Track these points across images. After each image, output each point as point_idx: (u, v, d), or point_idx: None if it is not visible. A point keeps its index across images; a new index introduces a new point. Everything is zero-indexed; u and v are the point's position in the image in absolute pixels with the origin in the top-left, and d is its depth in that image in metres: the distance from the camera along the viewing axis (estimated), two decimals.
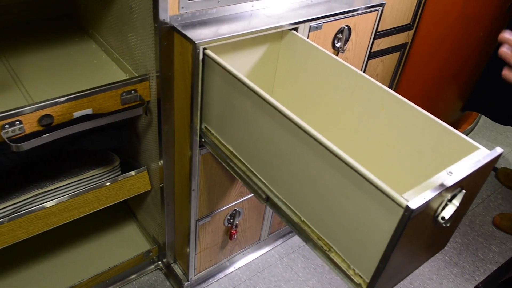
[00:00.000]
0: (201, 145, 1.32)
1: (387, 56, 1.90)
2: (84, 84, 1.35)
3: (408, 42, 1.95)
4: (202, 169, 1.39)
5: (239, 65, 1.33)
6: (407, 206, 0.74)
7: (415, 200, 0.74)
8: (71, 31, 1.66)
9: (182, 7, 1.18)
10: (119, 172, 1.56)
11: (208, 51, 1.14)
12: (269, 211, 1.78)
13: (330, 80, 1.27)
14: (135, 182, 1.54)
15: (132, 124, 1.52)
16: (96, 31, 1.57)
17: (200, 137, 1.30)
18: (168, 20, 1.17)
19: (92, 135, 1.29)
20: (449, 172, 0.85)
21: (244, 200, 1.62)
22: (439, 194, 0.79)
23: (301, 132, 0.93)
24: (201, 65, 1.16)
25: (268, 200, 1.14)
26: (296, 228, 1.08)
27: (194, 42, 1.12)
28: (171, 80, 1.27)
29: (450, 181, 0.81)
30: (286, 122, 0.96)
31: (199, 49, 1.13)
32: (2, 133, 1.13)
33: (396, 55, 1.95)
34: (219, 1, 1.24)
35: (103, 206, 1.49)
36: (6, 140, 1.13)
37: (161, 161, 1.43)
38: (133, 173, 1.53)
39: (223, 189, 1.52)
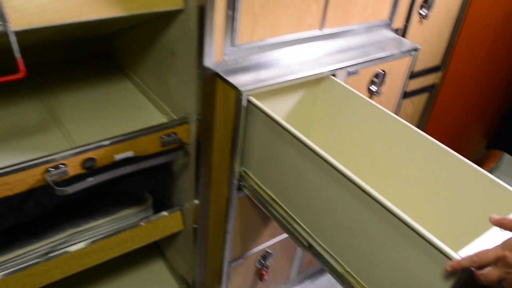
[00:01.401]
0: (239, 189, 1.32)
1: (417, 96, 1.91)
2: (122, 126, 1.37)
3: (436, 83, 1.96)
4: (239, 212, 1.38)
5: (276, 109, 1.34)
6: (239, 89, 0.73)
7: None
8: (108, 70, 1.69)
9: (226, 54, 1.20)
10: (152, 212, 1.56)
11: (252, 98, 1.16)
12: (299, 252, 1.76)
13: (368, 125, 1.28)
14: (168, 222, 1.53)
15: (169, 164, 1.53)
16: (133, 71, 1.60)
17: (239, 181, 1.31)
18: (211, 66, 1.19)
19: (131, 177, 1.30)
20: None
21: (276, 241, 1.61)
22: None
23: (347, 182, 0.93)
24: (244, 111, 1.17)
25: (310, 248, 1.12)
26: (340, 278, 1.06)
27: (238, 89, 1.14)
28: (212, 124, 1.29)
29: (504, 237, 0.79)
30: (331, 171, 0.96)
31: (242, 96, 1.15)
32: (47, 176, 1.14)
33: (425, 95, 1.95)
34: (260, 48, 1.26)
35: (136, 246, 1.49)
36: (51, 183, 1.14)
37: (196, 202, 1.43)
38: (166, 213, 1.52)
39: (256, 231, 1.51)
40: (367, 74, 1.44)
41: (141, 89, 1.55)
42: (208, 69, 1.18)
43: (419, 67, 1.81)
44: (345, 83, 1.36)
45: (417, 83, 1.87)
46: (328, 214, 1.03)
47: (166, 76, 1.37)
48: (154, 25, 1.32)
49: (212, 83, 1.21)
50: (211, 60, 1.18)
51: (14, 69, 0.97)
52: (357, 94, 1.28)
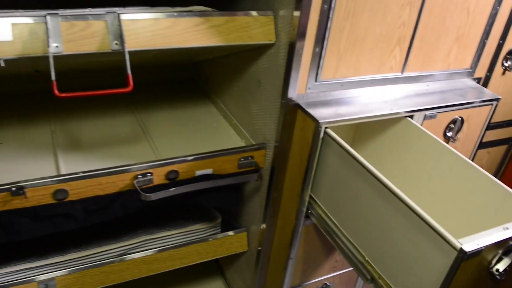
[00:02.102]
0: (307, 216, 1.37)
1: (494, 148, 1.87)
2: (204, 145, 1.48)
3: None
4: (303, 239, 1.43)
5: (350, 143, 1.39)
6: (461, 249, 0.84)
7: (469, 244, 0.85)
8: (194, 94, 1.83)
9: (309, 88, 1.28)
10: (219, 230, 1.63)
11: (329, 130, 1.22)
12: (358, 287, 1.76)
13: (442, 169, 1.29)
14: (233, 241, 1.60)
15: (242, 186, 1.61)
16: (218, 96, 1.73)
17: (307, 208, 1.35)
18: (294, 98, 1.27)
19: (207, 193, 1.39)
20: (506, 227, 0.89)
21: (336, 275, 1.62)
22: (494, 245, 0.85)
23: (421, 222, 0.95)
24: (320, 141, 1.23)
25: (372, 281, 1.14)
26: None
27: (317, 121, 1.21)
28: (287, 151, 1.36)
29: (505, 235, 0.86)
30: (405, 210, 0.98)
31: (321, 128, 1.21)
32: (135, 182, 1.26)
33: (503, 147, 1.91)
34: (342, 85, 1.33)
35: (201, 260, 1.56)
36: (138, 188, 1.25)
37: (264, 226, 1.49)
38: (232, 233, 1.60)
39: (319, 261, 1.53)
40: (444, 119, 1.46)
41: (224, 114, 1.67)
42: (290, 100, 1.26)
43: (499, 118, 1.78)
44: (421, 126, 1.38)
45: (495, 134, 1.83)
46: (396, 250, 1.05)
47: (249, 103, 1.47)
48: (244, 56, 1.43)
49: (292, 113, 1.29)
50: (295, 92, 1.26)
51: (117, 85, 1.10)
52: (433, 137, 1.30)
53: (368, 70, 1.35)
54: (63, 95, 1.02)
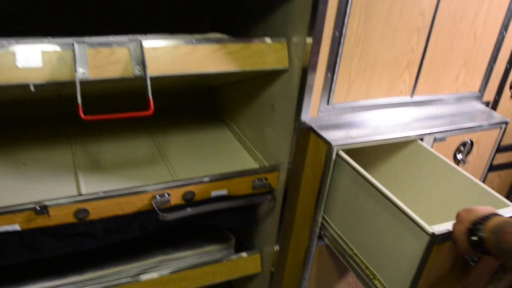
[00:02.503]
0: (320, 237, 1.39)
1: (505, 171, 1.89)
2: (219, 167, 1.52)
3: None
4: (316, 260, 1.44)
5: (362, 165, 1.42)
6: (433, 233, 0.96)
7: (440, 229, 0.96)
8: (209, 118, 1.89)
9: (321, 111, 1.32)
10: (233, 251, 1.66)
11: (341, 153, 1.26)
12: None
13: (452, 191, 1.31)
14: (247, 263, 1.62)
15: (255, 207, 1.64)
16: (232, 120, 1.78)
17: (320, 229, 1.38)
18: (307, 121, 1.31)
19: (222, 214, 1.43)
20: None
21: None
22: None
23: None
24: (332, 163, 1.27)
25: None
26: None
27: (330, 143, 1.24)
28: (300, 173, 1.39)
29: None
30: (418, 232, 1.01)
31: (333, 150, 1.25)
32: (153, 202, 1.30)
33: None
34: (353, 109, 1.37)
35: (216, 281, 1.58)
36: (156, 208, 1.29)
37: (277, 247, 1.52)
38: (246, 254, 1.62)
39: (331, 283, 1.55)
40: (454, 142, 1.49)
41: (238, 137, 1.71)
42: (303, 123, 1.31)
43: (508, 141, 1.80)
44: (431, 148, 1.41)
45: (505, 157, 1.85)
46: (410, 268, 1.07)
47: (263, 127, 1.52)
48: (258, 80, 1.48)
49: (305, 136, 1.33)
50: (307, 115, 1.30)
51: (136, 108, 1.16)
52: (443, 160, 1.32)
53: (378, 94, 1.39)
54: (89, 118, 1.07)
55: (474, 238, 0.84)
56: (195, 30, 1.82)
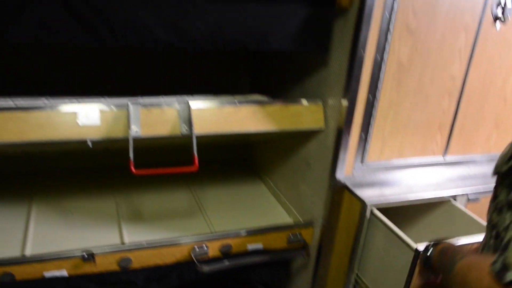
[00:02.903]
0: None
1: None
2: (254, 221, 1.56)
3: None
4: None
5: (395, 223, 1.44)
6: (416, 249, 1.11)
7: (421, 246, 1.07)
8: (245, 172, 1.96)
9: (355, 169, 1.38)
10: None
11: (375, 211, 1.29)
12: None
13: None
14: None
15: (289, 262, 1.67)
16: (268, 176, 1.84)
17: (354, 287, 1.39)
18: (341, 179, 1.36)
19: (258, 268, 1.46)
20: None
21: None
22: None
23: None
24: (366, 221, 1.30)
25: None
26: None
27: (364, 201, 1.29)
28: (334, 230, 1.43)
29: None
30: None
31: (367, 208, 1.29)
32: (192, 253, 1.35)
33: None
34: (386, 168, 1.42)
35: None
36: (195, 259, 1.34)
37: None
38: None
39: None
40: (488, 203, 1.49)
41: (273, 192, 1.77)
42: (338, 181, 1.36)
43: None
44: (465, 208, 1.43)
45: None
46: None
47: (298, 183, 1.57)
48: (295, 139, 1.56)
49: (340, 193, 1.38)
50: (342, 173, 1.36)
51: (177, 162, 1.24)
52: (477, 220, 1.34)
53: (411, 154, 1.44)
54: (139, 172, 1.16)
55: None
56: (235, 89, 1.94)
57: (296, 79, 1.56)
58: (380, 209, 1.31)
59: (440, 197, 1.40)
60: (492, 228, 0.77)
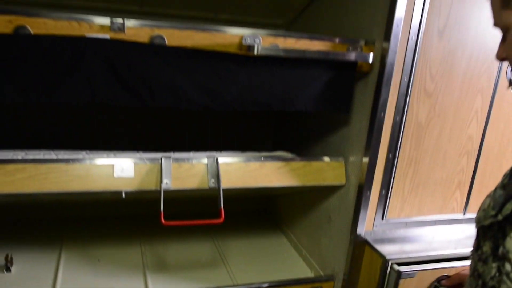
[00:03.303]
0: None
1: None
2: (275, 274, 1.59)
3: None
4: None
5: None
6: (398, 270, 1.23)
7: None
8: (267, 224, 2.00)
9: (375, 225, 1.41)
10: None
11: (396, 266, 1.31)
12: None
13: None
14: None
15: None
16: (289, 228, 1.88)
17: None
18: (362, 234, 1.40)
19: None
20: None
21: None
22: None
23: None
24: (387, 275, 1.32)
25: None
26: None
27: (385, 257, 1.31)
28: (355, 284, 1.44)
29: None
30: None
31: (388, 263, 1.31)
32: None
33: None
34: (406, 224, 1.45)
35: None
36: None
37: None
38: None
39: None
40: None
41: (294, 245, 1.80)
42: (359, 236, 1.39)
43: None
44: None
45: None
46: None
47: (320, 237, 1.60)
48: (316, 193, 1.61)
49: (361, 248, 1.41)
50: (363, 229, 1.39)
51: (201, 212, 1.30)
52: None
53: (431, 211, 1.47)
54: (169, 223, 1.22)
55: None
56: (260, 145, 2.02)
57: (319, 137, 1.63)
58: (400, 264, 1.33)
59: (460, 254, 1.41)
60: (478, 277, 0.80)
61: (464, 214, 1.53)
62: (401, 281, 1.29)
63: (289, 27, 1.83)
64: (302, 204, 1.75)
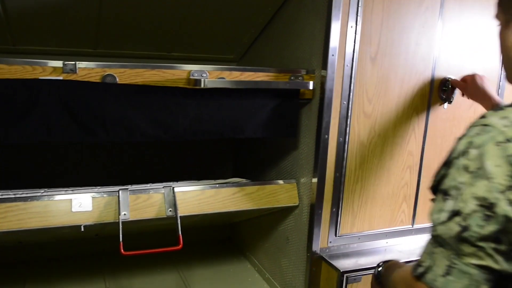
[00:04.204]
0: None
1: None
2: None
3: None
4: None
5: None
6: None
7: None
8: (230, 252, 2.04)
9: (330, 242, 1.48)
10: None
11: (351, 279, 1.38)
12: None
13: None
14: None
15: None
16: (252, 253, 1.93)
17: None
18: (318, 251, 1.46)
19: None
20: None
21: None
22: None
23: None
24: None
25: None
26: None
27: (340, 271, 1.38)
28: None
29: None
30: None
31: (343, 277, 1.38)
32: None
33: None
34: (359, 238, 1.53)
35: None
36: None
37: None
38: None
39: None
40: None
41: (258, 269, 1.85)
42: (315, 253, 1.46)
43: None
44: None
45: None
46: None
47: (280, 258, 1.66)
48: (274, 216, 1.67)
49: (318, 265, 1.47)
50: (318, 246, 1.46)
51: (165, 244, 1.34)
52: None
53: (381, 225, 1.56)
54: (128, 253, 1.26)
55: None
56: (220, 172, 2.08)
57: (274, 161, 1.71)
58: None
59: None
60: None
61: (412, 225, 1.62)
62: (349, 286, 1.36)
63: (240, 61, 1.93)
64: (262, 228, 1.80)
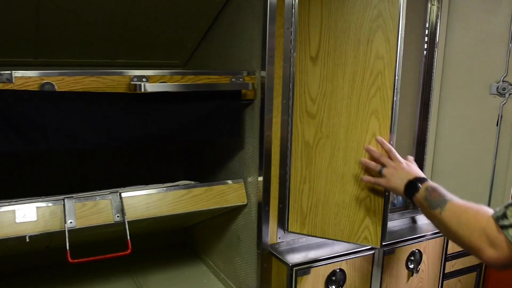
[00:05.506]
0: None
1: (464, 276, 2.03)
2: None
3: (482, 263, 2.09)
4: None
5: None
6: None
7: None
8: (186, 255, 2.05)
9: (279, 237, 1.53)
10: None
11: (300, 272, 1.43)
12: None
13: None
14: None
15: None
16: (206, 255, 1.95)
17: None
18: (268, 247, 1.50)
19: None
20: None
21: None
22: None
23: None
24: (294, 282, 1.43)
25: None
26: None
27: (289, 265, 1.42)
28: None
29: None
30: None
31: (292, 270, 1.42)
32: None
33: (473, 274, 2.06)
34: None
35: None
36: None
37: None
38: None
39: None
40: (403, 253, 1.68)
41: (213, 270, 1.87)
42: (265, 249, 1.50)
43: (457, 248, 1.98)
44: (383, 260, 1.60)
45: (462, 262, 2.00)
46: None
47: (233, 257, 1.69)
48: (225, 216, 1.70)
49: (268, 261, 1.51)
50: (267, 242, 1.50)
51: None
52: None
53: (338, 235, 1.48)
54: (75, 261, 1.25)
55: (412, 187, 1.19)
56: (171, 175, 2.09)
57: (222, 162, 1.74)
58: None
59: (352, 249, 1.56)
60: None
61: (381, 247, 1.47)
62: (299, 279, 1.41)
63: (185, 65, 1.95)
64: (215, 230, 1.83)
